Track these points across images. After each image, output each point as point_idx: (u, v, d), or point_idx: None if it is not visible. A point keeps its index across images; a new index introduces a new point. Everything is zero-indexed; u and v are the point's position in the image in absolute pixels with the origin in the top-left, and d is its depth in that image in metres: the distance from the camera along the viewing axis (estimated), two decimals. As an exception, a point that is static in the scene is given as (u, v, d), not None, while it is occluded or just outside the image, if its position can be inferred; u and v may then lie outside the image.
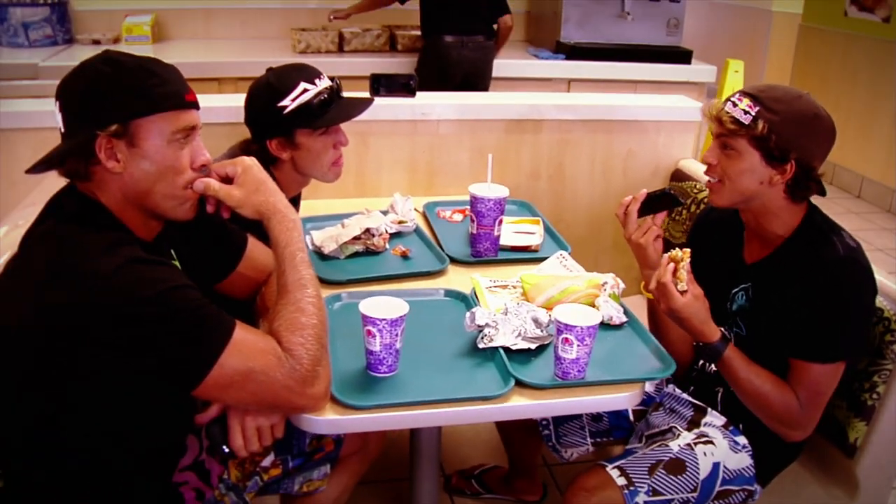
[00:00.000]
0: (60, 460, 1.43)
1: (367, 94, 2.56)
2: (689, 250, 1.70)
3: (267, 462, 1.71)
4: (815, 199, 1.86)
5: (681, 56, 4.96)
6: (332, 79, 2.13)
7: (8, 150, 2.54)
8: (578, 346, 1.59)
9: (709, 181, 1.86)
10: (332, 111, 2.08)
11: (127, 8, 4.79)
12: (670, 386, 2.02)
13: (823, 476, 1.99)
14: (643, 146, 2.98)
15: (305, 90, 2.04)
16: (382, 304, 1.60)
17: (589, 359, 1.62)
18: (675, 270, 1.69)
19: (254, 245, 1.85)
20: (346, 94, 2.17)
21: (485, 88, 4.48)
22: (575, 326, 1.57)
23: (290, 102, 2.02)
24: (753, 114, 1.71)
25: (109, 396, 1.38)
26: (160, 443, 1.56)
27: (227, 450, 1.54)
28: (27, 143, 2.49)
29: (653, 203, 1.91)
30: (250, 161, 1.56)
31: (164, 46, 4.75)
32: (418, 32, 4.73)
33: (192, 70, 4.13)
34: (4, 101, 2.82)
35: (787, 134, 1.71)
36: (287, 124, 2.04)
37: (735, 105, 1.74)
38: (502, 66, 4.66)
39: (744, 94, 1.76)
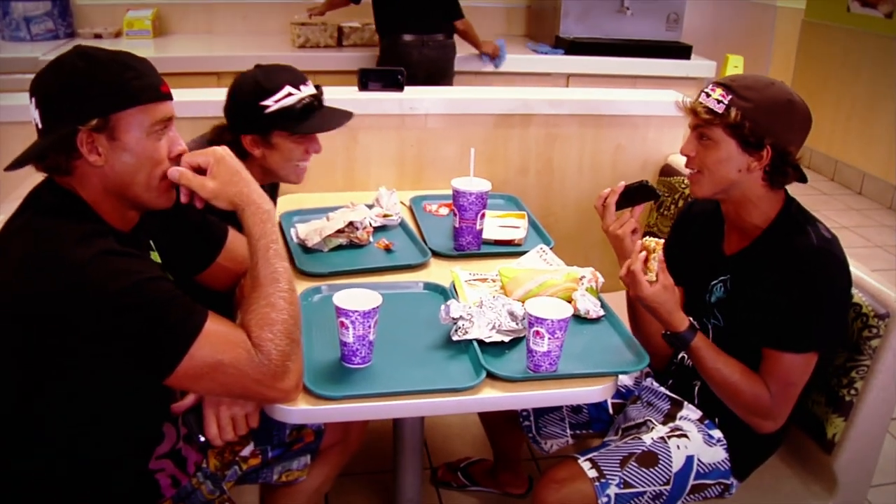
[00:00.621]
0: (37, 447, 1.46)
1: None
2: (661, 241, 1.71)
3: (246, 452, 1.73)
4: (802, 194, 1.87)
5: (680, 51, 4.96)
6: (316, 87, 2.14)
7: (5, 143, 2.57)
8: (549, 339, 1.60)
9: (689, 173, 1.87)
10: (313, 119, 2.10)
11: (128, 2, 4.82)
12: (648, 380, 2.03)
13: (802, 471, 2.00)
14: (632, 141, 2.99)
15: (290, 94, 2.05)
16: (356, 296, 1.62)
17: (560, 352, 1.63)
18: (647, 260, 1.70)
19: (234, 237, 1.87)
20: (326, 104, 2.18)
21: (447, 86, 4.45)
22: (546, 319, 1.59)
23: (272, 104, 2.04)
24: (726, 102, 1.73)
25: (84, 385, 1.40)
26: (136, 431, 1.58)
27: (202, 439, 1.57)
28: (24, 138, 2.50)
29: (631, 195, 1.93)
30: (223, 151, 1.57)
31: (165, 41, 4.78)
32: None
33: (192, 64, 4.18)
34: (5, 94, 2.85)
35: (761, 120, 1.73)
36: (266, 124, 2.06)
37: (708, 95, 1.76)
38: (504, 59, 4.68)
39: (716, 84, 1.78)
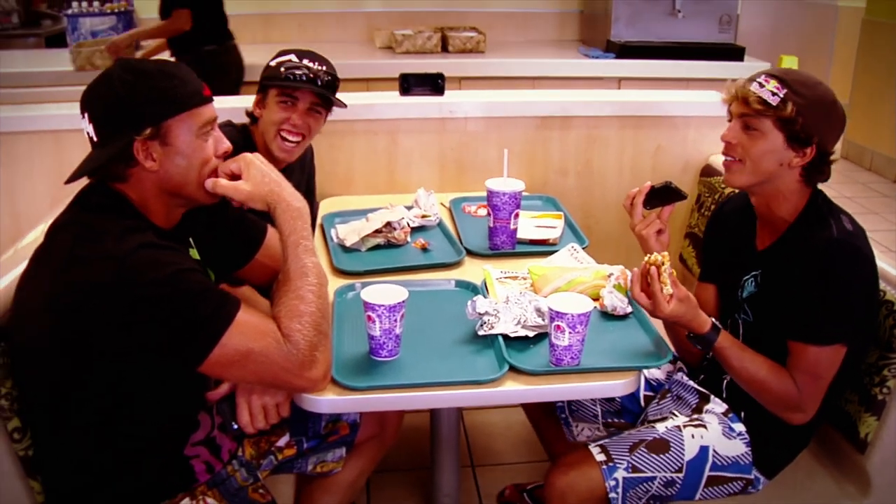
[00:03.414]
0: (76, 432, 1.55)
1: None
2: (666, 254, 1.74)
3: (282, 442, 1.79)
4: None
5: (733, 53, 4.93)
6: (329, 73, 2.32)
7: (60, 150, 2.71)
8: (570, 333, 1.63)
9: (726, 160, 1.88)
10: (298, 84, 2.27)
11: (190, 14, 4.96)
12: (679, 374, 2.05)
13: (836, 471, 1.99)
14: (672, 142, 2.99)
15: (289, 59, 2.27)
16: (383, 291, 1.67)
17: (582, 346, 1.66)
18: (659, 275, 1.72)
19: (272, 234, 1.94)
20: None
21: None
22: (566, 314, 1.62)
23: (273, 62, 2.30)
24: (781, 95, 1.75)
25: (122, 372, 1.48)
26: (172, 418, 1.66)
27: (235, 427, 1.64)
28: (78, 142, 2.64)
29: (658, 195, 1.97)
30: (251, 156, 1.66)
31: (223, 51, 4.89)
32: (471, 34, 4.80)
33: (250, 73, 4.28)
34: (69, 104, 2.99)
35: (812, 118, 1.75)
36: (263, 80, 2.33)
37: (762, 86, 1.77)
38: (553, 65, 4.71)
39: (770, 75, 1.79)
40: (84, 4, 4.72)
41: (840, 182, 5.92)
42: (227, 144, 1.66)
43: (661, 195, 1.97)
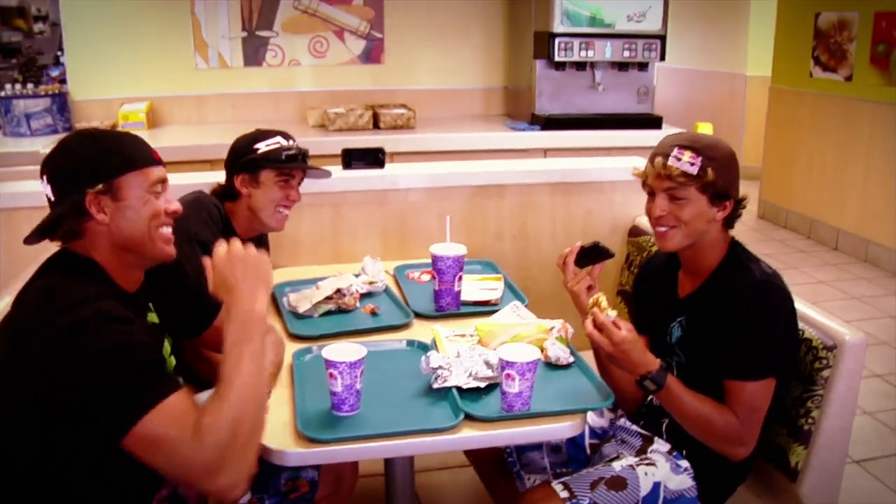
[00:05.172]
0: (40, 494, 1.57)
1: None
2: (600, 293, 1.92)
3: (244, 500, 1.86)
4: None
5: (652, 122, 5.17)
6: (304, 150, 2.51)
7: (10, 229, 2.75)
8: (520, 380, 1.75)
9: (660, 230, 2.03)
10: (297, 164, 2.48)
11: (123, 97, 5.03)
12: (622, 420, 2.17)
13: (771, 499, 2.12)
14: (601, 205, 3.18)
15: (279, 143, 2.45)
16: (343, 350, 1.78)
17: (531, 392, 1.78)
18: (601, 310, 1.87)
19: None
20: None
21: None
22: (515, 363, 1.74)
23: (263, 146, 2.43)
24: (699, 164, 1.92)
25: (78, 437, 1.51)
26: (136, 477, 1.66)
27: None
28: (29, 221, 2.67)
29: (587, 255, 2.12)
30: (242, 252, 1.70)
31: (159, 132, 4.96)
32: (402, 111, 4.96)
33: (187, 153, 4.37)
34: (8, 183, 3.04)
35: (726, 175, 1.95)
36: (256, 163, 2.45)
37: (679, 159, 1.93)
38: (482, 139, 4.89)
39: (681, 147, 1.95)
40: (17, 87, 4.78)
41: (758, 240, 6.22)
42: (177, 205, 1.75)
43: (591, 254, 2.12)
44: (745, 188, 2.05)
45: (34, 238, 1.67)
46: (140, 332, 1.58)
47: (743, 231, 6.42)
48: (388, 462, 2.07)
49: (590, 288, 2.10)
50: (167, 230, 1.74)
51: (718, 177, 1.92)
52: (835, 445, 2.03)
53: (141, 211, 1.67)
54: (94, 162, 1.64)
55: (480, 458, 2.41)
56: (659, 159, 1.97)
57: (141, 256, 1.72)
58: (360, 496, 2.50)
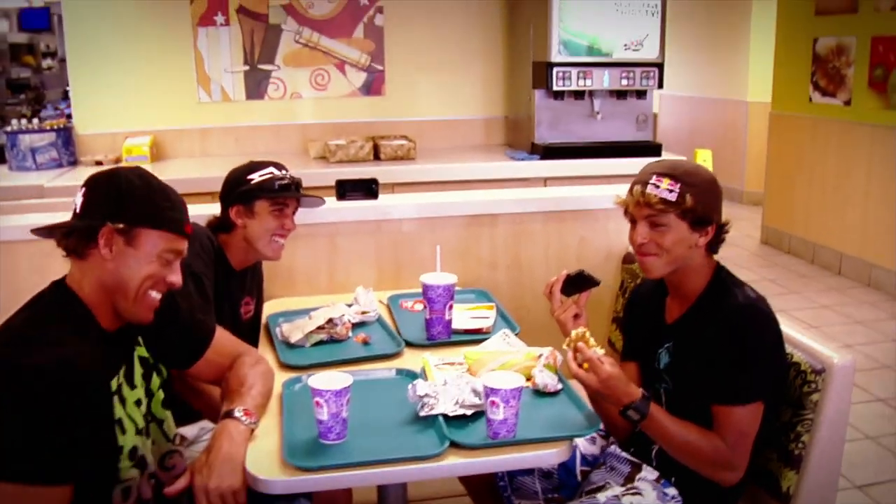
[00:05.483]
0: None
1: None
2: (583, 328, 1.92)
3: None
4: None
5: (651, 150, 5.19)
6: (297, 179, 2.55)
7: (11, 262, 2.80)
8: (504, 407, 1.76)
9: (641, 258, 2.05)
10: (291, 193, 2.51)
11: (127, 130, 5.11)
12: (612, 447, 2.18)
13: (763, 525, 2.12)
14: (595, 233, 3.19)
15: (272, 173, 2.49)
16: (328, 378, 1.79)
17: (516, 419, 1.79)
18: (587, 344, 1.88)
19: (221, 333, 2.07)
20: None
21: None
22: (500, 390, 1.76)
23: (257, 177, 2.47)
24: (677, 191, 1.94)
25: None
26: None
27: None
28: (29, 255, 2.75)
29: (574, 283, 2.14)
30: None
31: (162, 165, 5.02)
32: (402, 142, 5.00)
33: (190, 186, 4.41)
34: (14, 216, 3.08)
35: (706, 201, 1.96)
36: (250, 193, 2.48)
37: (657, 187, 1.95)
38: (482, 169, 4.92)
39: (659, 175, 1.97)
40: (24, 122, 4.85)
41: (761, 266, 6.22)
42: (177, 279, 1.79)
43: (577, 282, 2.14)
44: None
45: (42, 232, 1.74)
46: (97, 386, 1.63)
47: (746, 256, 6.44)
48: (381, 491, 2.07)
49: (576, 316, 2.12)
50: (156, 296, 1.77)
51: (698, 203, 1.94)
52: (826, 469, 2.02)
53: (143, 266, 1.71)
54: (130, 201, 1.70)
55: (473, 485, 2.41)
56: (638, 187, 1.99)
57: (120, 308, 1.74)
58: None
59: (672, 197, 1.93)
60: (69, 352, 1.59)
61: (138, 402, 1.82)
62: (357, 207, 3.05)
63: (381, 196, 3.11)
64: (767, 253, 6.74)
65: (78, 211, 1.72)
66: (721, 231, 2.02)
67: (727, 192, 8.50)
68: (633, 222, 2.04)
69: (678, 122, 9.53)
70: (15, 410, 1.51)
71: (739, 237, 7.07)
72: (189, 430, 2.25)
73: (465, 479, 2.45)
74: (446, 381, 1.97)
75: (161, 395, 1.93)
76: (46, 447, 1.53)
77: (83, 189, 1.73)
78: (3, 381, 1.52)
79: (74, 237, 1.70)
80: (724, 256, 2.11)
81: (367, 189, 3.04)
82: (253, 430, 1.84)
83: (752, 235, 7.18)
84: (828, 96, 6.16)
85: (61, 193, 3.94)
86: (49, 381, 1.53)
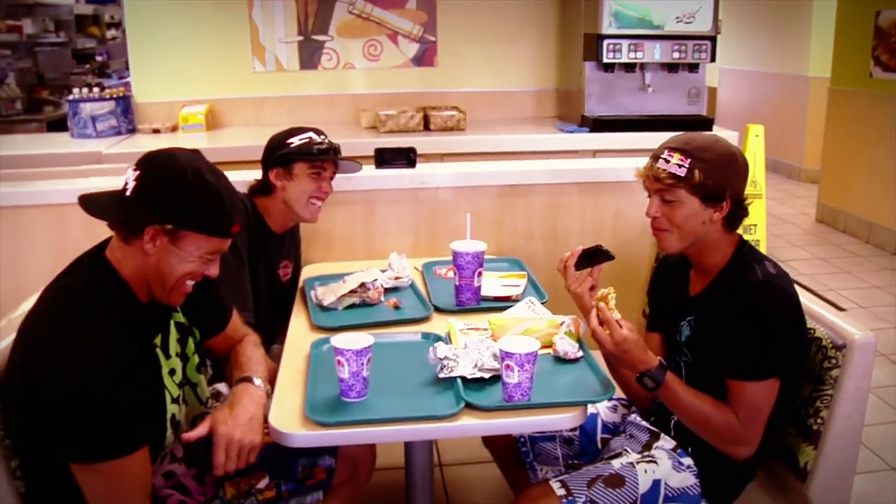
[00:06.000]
0: (49, 476, 1.72)
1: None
2: (611, 287, 1.93)
3: (262, 485, 1.94)
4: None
5: (702, 124, 5.15)
6: (334, 143, 2.65)
7: (62, 225, 2.94)
8: (519, 371, 1.81)
9: (655, 232, 2.08)
10: (328, 157, 2.61)
11: (183, 99, 5.25)
12: (633, 415, 2.21)
13: (781, 499, 2.12)
14: (631, 205, 3.21)
15: (310, 137, 2.59)
16: (351, 338, 1.86)
17: (531, 384, 1.84)
18: (607, 305, 1.91)
19: (235, 314, 2.19)
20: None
21: None
22: (514, 353, 1.80)
23: (297, 140, 2.58)
24: (687, 165, 1.94)
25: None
26: None
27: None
28: (80, 219, 2.82)
29: (589, 257, 2.17)
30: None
31: (217, 133, 5.15)
32: (452, 113, 5.03)
33: (243, 153, 4.55)
34: (76, 179, 3.22)
35: (719, 176, 1.95)
36: (290, 156, 2.58)
37: (667, 161, 1.97)
38: (531, 140, 4.93)
39: (671, 149, 1.99)
40: (85, 91, 5.00)
41: (814, 244, 6.13)
42: (215, 272, 1.86)
43: (591, 257, 2.16)
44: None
45: (92, 210, 1.77)
46: (123, 373, 1.67)
47: (799, 234, 6.34)
48: (408, 452, 2.15)
49: (592, 288, 2.14)
50: (191, 285, 1.84)
51: (708, 178, 1.94)
52: (845, 446, 2.02)
53: (183, 265, 1.78)
54: (181, 203, 1.72)
55: (497, 450, 2.47)
56: (650, 161, 2.01)
57: (154, 292, 1.81)
58: (383, 488, 2.59)
59: (681, 172, 1.94)
60: (113, 326, 1.67)
61: (172, 372, 1.90)
62: (395, 175, 3.11)
63: (419, 165, 3.16)
64: (822, 231, 6.62)
65: (129, 194, 1.72)
66: (739, 206, 2.00)
67: (785, 169, 8.46)
68: (650, 196, 2.06)
69: (738, 97, 9.38)
70: (80, 396, 1.58)
71: (794, 215, 6.97)
72: (225, 387, 2.34)
73: (489, 445, 2.51)
74: (466, 345, 2.02)
75: (196, 359, 2.02)
76: (118, 422, 1.62)
77: (138, 172, 1.73)
78: (57, 372, 1.58)
79: (124, 227, 1.75)
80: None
81: (406, 157, 3.10)
82: (267, 397, 1.94)
83: (808, 213, 7.06)
84: (889, 72, 6.02)
85: (119, 160, 4.08)
86: (100, 361, 1.61)
